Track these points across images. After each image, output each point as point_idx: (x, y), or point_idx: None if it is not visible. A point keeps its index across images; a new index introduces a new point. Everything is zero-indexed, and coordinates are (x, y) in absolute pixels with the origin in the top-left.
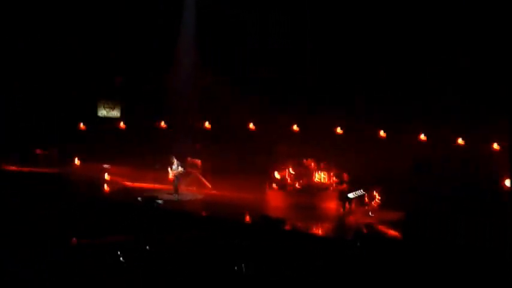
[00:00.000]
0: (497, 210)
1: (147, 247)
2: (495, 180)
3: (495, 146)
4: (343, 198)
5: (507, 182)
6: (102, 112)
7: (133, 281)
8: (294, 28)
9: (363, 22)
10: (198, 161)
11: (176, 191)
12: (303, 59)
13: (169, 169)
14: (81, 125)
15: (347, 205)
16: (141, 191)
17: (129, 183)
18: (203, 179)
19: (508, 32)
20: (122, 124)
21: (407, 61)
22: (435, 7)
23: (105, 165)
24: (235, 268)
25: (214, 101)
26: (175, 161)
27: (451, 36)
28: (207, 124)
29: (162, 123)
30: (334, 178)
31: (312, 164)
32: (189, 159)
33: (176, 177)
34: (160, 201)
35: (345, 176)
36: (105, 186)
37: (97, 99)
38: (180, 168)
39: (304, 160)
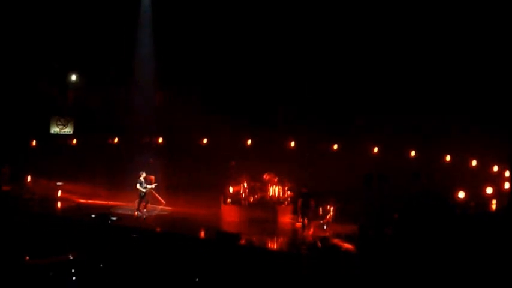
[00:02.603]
0: (450, 221)
1: (101, 264)
2: (447, 192)
3: (447, 158)
4: (301, 211)
5: (460, 194)
6: (55, 129)
7: None
8: (248, 45)
9: (314, 44)
10: (152, 177)
11: (138, 207)
12: (256, 74)
13: (138, 185)
14: (34, 142)
15: (304, 219)
16: (95, 208)
17: (82, 200)
18: (157, 195)
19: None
20: (74, 141)
21: (357, 76)
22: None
23: (58, 183)
24: (192, 283)
25: (167, 116)
26: (143, 178)
27: (404, 53)
28: (160, 140)
29: (115, 140)
30: (288, 192)
31: (266, 179)
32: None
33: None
34: (114, 218)
35: (304, 191)
36: (58, 203)
37: (49, 116)
38: (150, 186)
39: (258, 175)
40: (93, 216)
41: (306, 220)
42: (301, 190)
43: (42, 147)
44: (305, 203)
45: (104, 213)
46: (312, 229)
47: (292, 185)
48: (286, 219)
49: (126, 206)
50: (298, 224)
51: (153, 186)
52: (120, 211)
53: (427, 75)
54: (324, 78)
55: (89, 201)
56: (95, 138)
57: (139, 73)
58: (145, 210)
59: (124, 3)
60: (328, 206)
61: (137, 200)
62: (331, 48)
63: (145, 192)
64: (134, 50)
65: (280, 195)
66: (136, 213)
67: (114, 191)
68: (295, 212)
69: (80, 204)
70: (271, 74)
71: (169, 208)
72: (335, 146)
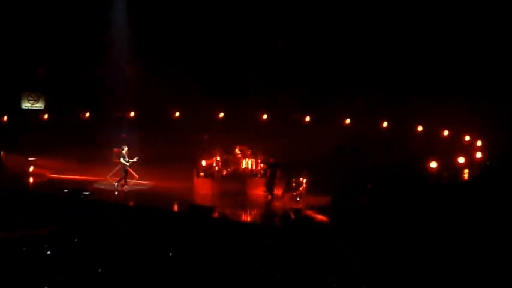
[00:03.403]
0: (423, 191)
1: (75, 239)
2: (420, 162)
3: (419, 128)
4: (269, 184)
5: (432, 164)
6: (26, 104)
7: (61, 274)
8: (219, 16)
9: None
10: (115, 150)
11: (125, 182)
12: (227, 49)
13: (121, 159)
14: (5, 117)
15: (275, 191)
16: (68, 182)
17: (54, 175)
18: (130, 169)
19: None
20: (46, 116)
21: (331, 50)
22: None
23: (30, 158)
24: (166, 257)
25: (139, 91)
26: (125, 151)
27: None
28: (132, 114)
29: (87, 114)
30: (261, 164)
31: (239, 151)
32: (115, 149)
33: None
34: (87, 193)
35: (272, 162)
36: (31, 178)
37: (20, 91)
38: (132, 160)
39: (231, 147)
40: (65, 191)
41: (275, 190)
42: (268, 160)
43: (13, 122)
44: (273, 174)
45: (77, 188)
46: (284, 201)
47: (265, 158)
48: (259, 191)
49: (100, 181)
50: (270, 196)
51: (135, 159)
52: (95, 185)
53: (400, 47)
54: (298, 50)
55: (62, 176)
56: (66, 113)
57: (112, 47)
58: (126, 186)
59: None
60: (301, 178)
61: (122, 175)
62: (305, 20)
63: (128, 166)
64: (107, 25)
65: (253, 167)
66: (125, 187)
67: (87, 166)
68: (267, 185)
69: (52, 179)
70: (243, 45)
71: (143, 182)
72: (307, 118)
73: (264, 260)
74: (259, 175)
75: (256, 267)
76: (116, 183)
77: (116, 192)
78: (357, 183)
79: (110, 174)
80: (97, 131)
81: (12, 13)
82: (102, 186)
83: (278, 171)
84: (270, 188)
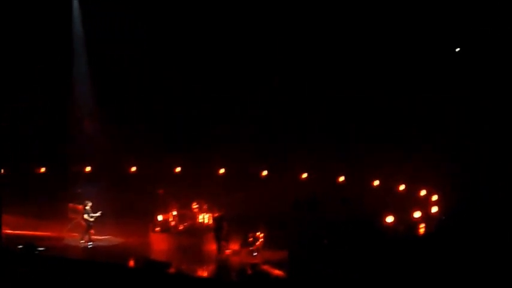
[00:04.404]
0: (379, 245)
1: None
2: (376, 216)
3: (375, 183)
4: (215, 236)
5: (388, 219)
6: None
7: None
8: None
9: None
10: (80, 206)
11: (90, 237)
12: (185, 98)
13: (86, 216)
14: None
15: (223, 244)
16: (23, 238)
17: (10, 231)
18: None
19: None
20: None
21: (286, 102)
22: None
23: None
24: None
25: (95, 143)
26: (89, 207)
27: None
28: (88, 168)
29: (42, 169)
30: (213, 218)
31: (196, 206)
32: (70, 205)
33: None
34: (41, 248)
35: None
36: None
37: None
38: (96, 214)
39: (188, 202)
40: (19, 246)
41: (222, 242)
42: (213, 215)
43: None
44: (219, 227)
45: (31, 243)
46: (241, 255)
47: (222, 212)
48: (215, 246)
49: (56, 236)
50: (228, 252)
51: (99, 214)
52: (50, 241)
53: (356, 99)
54: (254, 100)
55: (17, 231)
56: (22, 168)
57: (71, 97)
58: (83, 241)
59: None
60: (258, 232)
61: (84, 230)
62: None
63: (92, 222)
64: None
65: (210, 222)
66: (88, 243)
67: (43, 221)
68: (225, 239)
69: (7, 234)
70: (198, 99)
71: (99, 237)
72: (264, 172)
73: None
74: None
75: None
76: (82, 240)
77: (76, 248)
78: (313, 238)
79: (67, 229)
80: (53, 186)
81: None
82: (65, 242)
83: (224, 224)
84: (216, 240)
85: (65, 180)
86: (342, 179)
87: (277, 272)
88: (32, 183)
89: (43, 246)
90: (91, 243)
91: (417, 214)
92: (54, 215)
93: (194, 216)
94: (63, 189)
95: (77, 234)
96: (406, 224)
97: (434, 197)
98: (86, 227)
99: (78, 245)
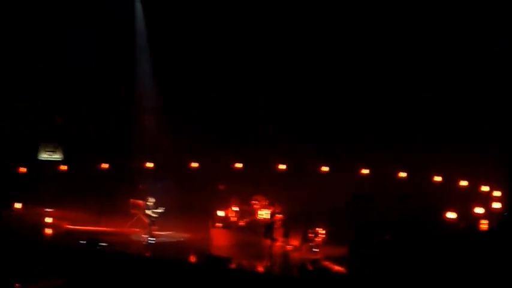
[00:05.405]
0: (439, 242)
1: None
2: (437, 212)
3: (436, 178)
4: (267, 232)
5: (449, 215)
6: (43, 156)
7: None
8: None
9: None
10: (141, 202)
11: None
12: (245, 96)
13: (149, 211)
14: (23, 169)
15: (290, 241)
16: (85, 233)
17: (71, 226)
18: (146, 220)
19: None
20: (64, 167)
21: (345, 98)
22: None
23: (47, 209)
24: None
25: (156, 140)
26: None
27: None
28: (150, 164)
29: (105, 165)
30: (278, 215)
31: (256, 202)
32: (131, 200)
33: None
34: (104, 244)
35: (279, 210)
36: (47, 229)
37: (38, 143)
38: (159, 210)
39: (248, 198)
40: (82, 242)
41: (290, 240)
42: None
43: (31, 174)
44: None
45: (93, 238)
46: (302, 251)
47: (283, 208)
48: (276, 242)
49: (118, 232)
50: (289, 247)
51: (162, 209)
52: (112, 236)
53: (417, 94)
54: (315, 98)
55: (79, 227)
56: (84, 164)
57: (131, 99)
58: (153, 238)
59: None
60: (318, 228)
61: (145, 226)
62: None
63: (155, 217)
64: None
65: (269, 218)
66: (151, 239)
67: (105, 217)
68: (286, 235)
69: (69, 229)
70: (261, 94)
71: (159, 233)
72: (325, 168)
73: None
74: (276, 226)
75: None
76: (148, 236)
77: (138, 244)
78: (374, 234)
79: (128, 224)
80: (115, 182)
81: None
82: (127, 237)
83: (277, 219)
84: (268, 235)
85: (127, 176)
86: (402, 174)
87: (337, 267)
88: (94, 178)
89: (105, 242)
90: (153, 239)
91: (479, 210)
92: (116, 210)
93: (254, 212)
94: (124, 185)
95: (138, 230)
96: (467, 220)
97: (497, 193)
98: (147, 223)
99: (140, 241)
